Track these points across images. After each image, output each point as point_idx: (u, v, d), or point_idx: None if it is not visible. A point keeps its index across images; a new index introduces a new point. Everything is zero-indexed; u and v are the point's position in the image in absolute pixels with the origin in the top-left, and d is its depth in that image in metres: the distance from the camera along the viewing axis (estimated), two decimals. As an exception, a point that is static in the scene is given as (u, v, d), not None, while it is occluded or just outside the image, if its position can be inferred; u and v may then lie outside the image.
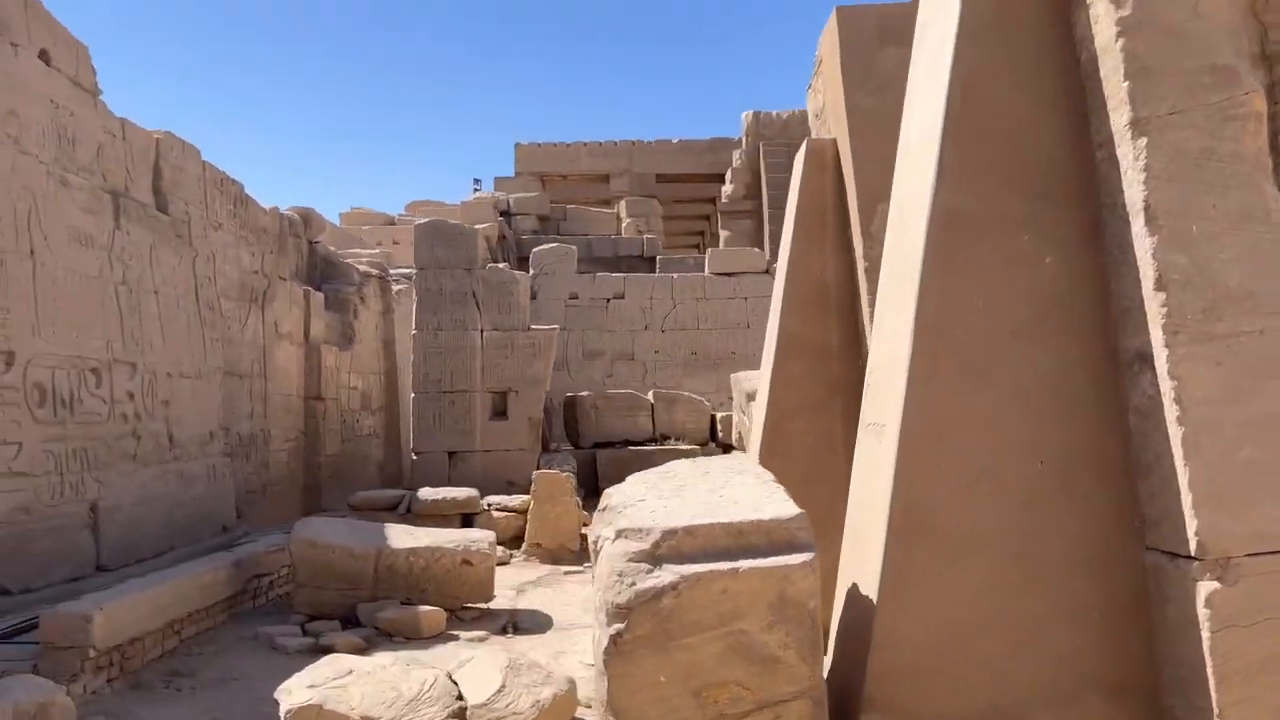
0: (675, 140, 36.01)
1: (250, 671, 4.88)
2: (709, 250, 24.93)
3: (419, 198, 38.76)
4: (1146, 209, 2.35)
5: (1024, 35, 2.62)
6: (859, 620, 2.53)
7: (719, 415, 13.27)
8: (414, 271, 11.86)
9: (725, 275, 23.55)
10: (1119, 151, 2.42)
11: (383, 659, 4.36)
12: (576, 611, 6.17)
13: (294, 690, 3.95)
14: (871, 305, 4.99)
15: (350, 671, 4.13)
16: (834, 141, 5.28)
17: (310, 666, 4.40)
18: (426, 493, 8.64)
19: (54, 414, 6.55)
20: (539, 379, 11.73)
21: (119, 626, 4.51)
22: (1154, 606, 2.49)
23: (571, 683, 4.09)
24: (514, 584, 7.02)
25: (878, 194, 4.98)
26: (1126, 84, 2.37)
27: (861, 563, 2.63)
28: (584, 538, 8.58)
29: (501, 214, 28.82)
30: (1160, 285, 2.35)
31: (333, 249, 15.60)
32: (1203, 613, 2.27)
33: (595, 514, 2.56)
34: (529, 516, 8.12)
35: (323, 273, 14.16)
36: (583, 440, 13.26)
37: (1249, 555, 2.28)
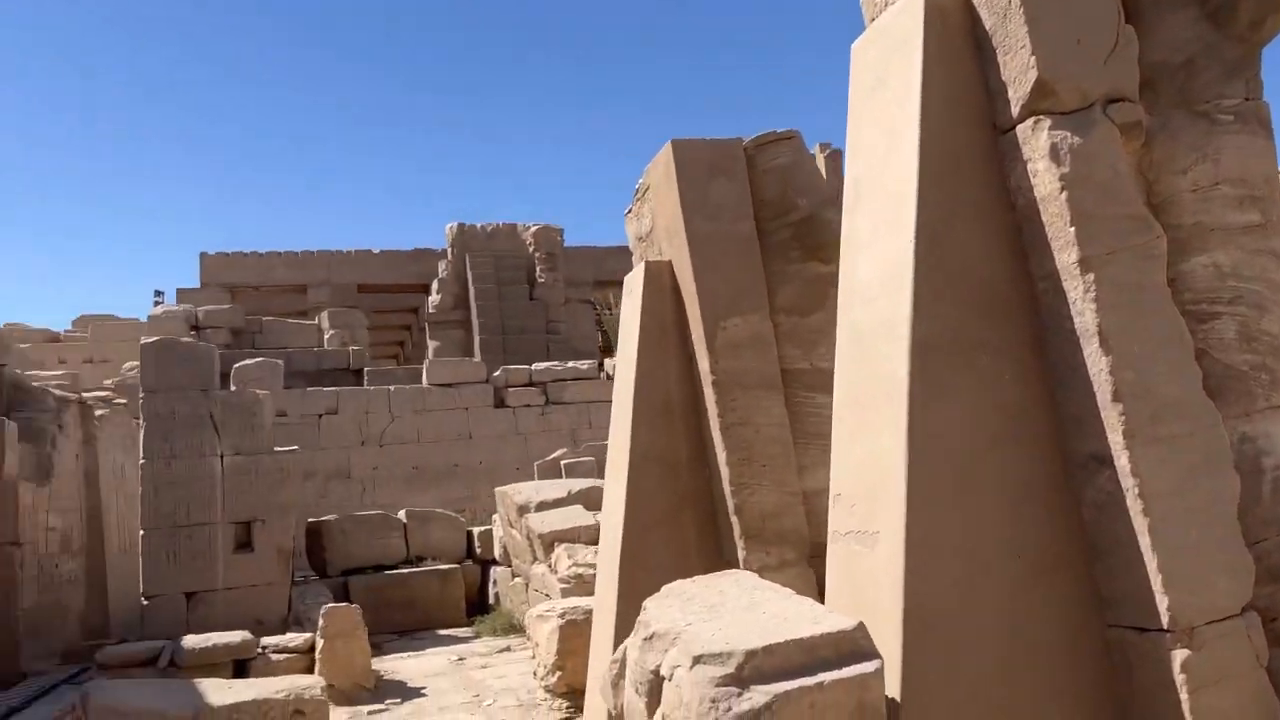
0: (377, 250, 35.51)
1: None
2: (427, 361, 24.62)
3: (85, 311, 35.11)
4: (1100, 333, 2.80)
5: (970, 185, 3.05)
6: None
7: (476, 531, 13.01)
8: (142, 395, 10.75)
9: (444, 386, 23.29)
10: (1066, 285, 2.88)
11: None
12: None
13: None
14: (721, 417, 5.27)
15: None
16: (669, 263, 5.58)
17: None
18: (192, 640, 7.77)
19: None
20: (287, 506, 10.97)
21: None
22: (1121, 675, 2.86)
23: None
24: (322, 732, 6.45)
25: (720, 311, 5.33)
26: (1073, 229, 2.83)
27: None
28: (376, 674, 8.06)
29: (192, 328, 26.79)
30: (1117, 398, 2.79)
31: (20, 372, 13.82)
32: (1179, 677, 2.65)
33: (641, 641, 2.51)
34: (319, 656, 7.50)
35: (11, 399, 12.47)
36: (330, 568, 12.45)
37: (1207, 624, 2.71)
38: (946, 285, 2.91)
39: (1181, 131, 3.06)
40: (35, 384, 13.34)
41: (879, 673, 2.38)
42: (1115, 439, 2.78)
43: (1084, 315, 2.81)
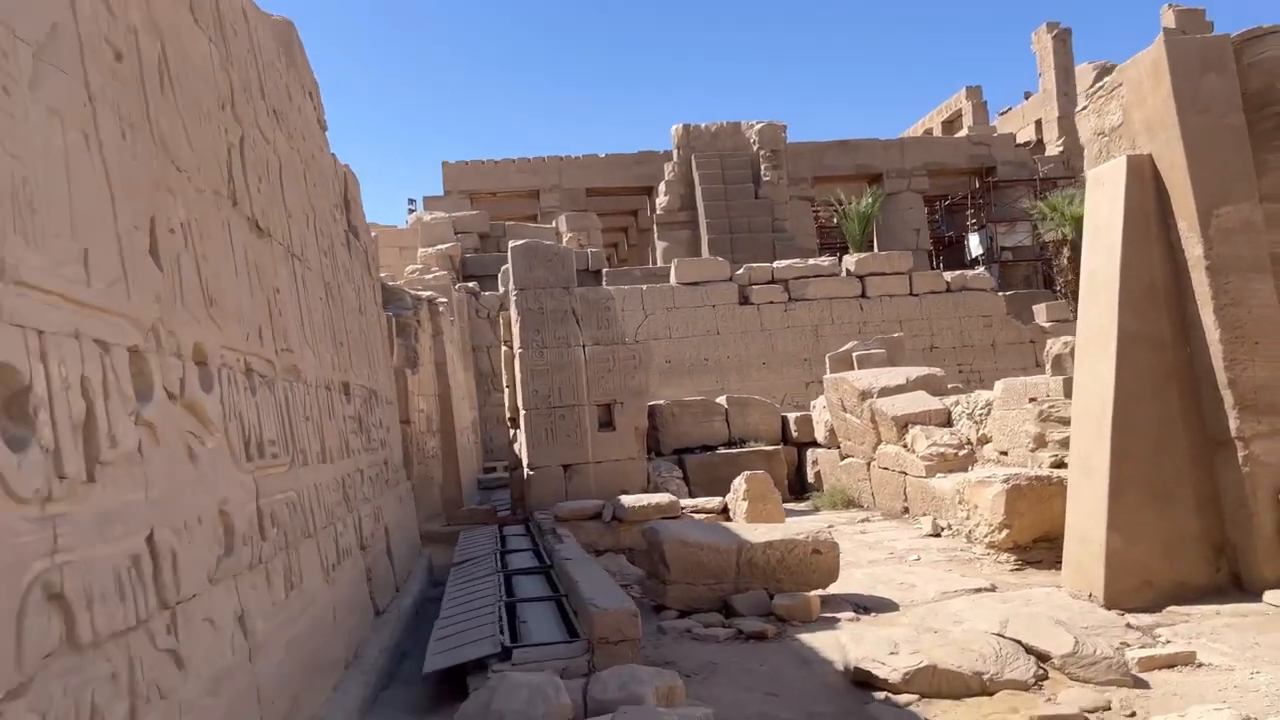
0: (603, 155, 36.56)
1: (713, 659, 5.24)
2: (675, 261, 25.52)
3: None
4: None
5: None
6: None
7: (792, 416, 13.93)
8: (515, 292, 12.05)
9: (691, 285, 24.19)
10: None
11: (898, 631, 4.82)
12: (885, 591, 6.71)
13: (886, 661, 4.40)
14: (1214, 299, 5.75)
15: (896, 644, 4.61)
16: (1149, 156, 6.04)
17: (851, 642, 4.85)
18: (629, 500, 9.01)
19: (365, 441, 6.68)
20: (641, 390, 12.12)
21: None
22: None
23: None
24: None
25: (1213, 200, 5.77)
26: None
27: None
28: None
29: (455, 233, 28.63)
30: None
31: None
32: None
33: None
34: (743, 515, 8.58)
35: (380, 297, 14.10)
36: (663, 447, 13.69)
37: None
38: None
39: None
40: (392, 284, 15.01)
41: None
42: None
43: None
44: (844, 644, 4.83)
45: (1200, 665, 4.61)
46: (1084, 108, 6.62)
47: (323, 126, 7.50)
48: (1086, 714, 3.90)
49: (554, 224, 32.38)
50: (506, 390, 13.57)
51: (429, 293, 17.14)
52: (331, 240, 6.64)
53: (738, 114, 36.42)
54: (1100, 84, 6.45)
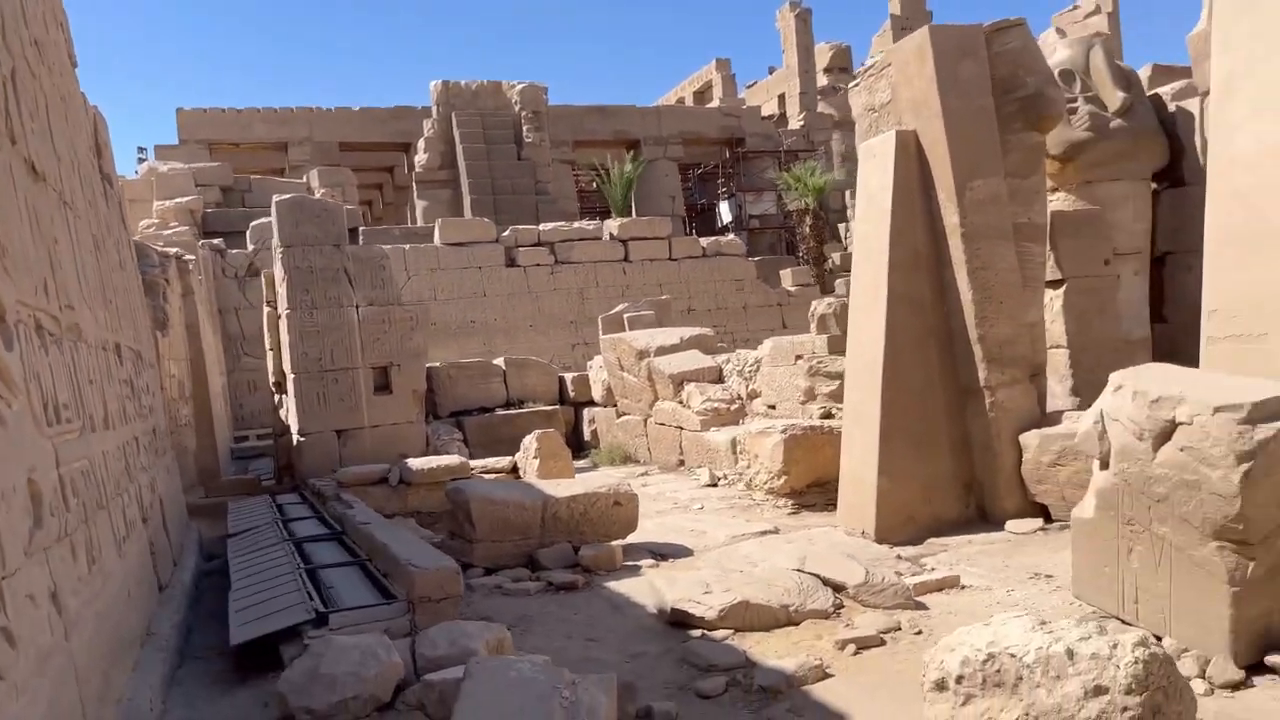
0: (357, 108, 35.02)
1: (526, 612, 5.33)
2: (439, 221, 25.00)
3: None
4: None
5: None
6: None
7: (569, 377, 14.13)
8: (280, 250, 11.43)
9: (457, 246, 23.86)
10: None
11: (706, 574, 5.10)
12: (678, 539, 7.05)
13: (701, 600, 4.66)
14: (967, 263, 6.42)
15: (708, 584, 4.90)
16: (914, 132, 6.61)
17: (665, 585, 5.07)
18: (417, 463, 8.87)
19: (137, 407, 6.19)
20: (419, 352, 11.89)
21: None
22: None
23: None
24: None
25: (967, 175, 6.41)
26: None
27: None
28: (570, 489, 9.24)
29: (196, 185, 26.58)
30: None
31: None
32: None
33: (1149, 404, 3.67)
34: (536, 473, 8.66)
35: (118, 253, 12.95)
36: (440, 409, 13.51)
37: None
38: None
39: None
40: (137, 239, 13.80)
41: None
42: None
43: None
44: (658, 587, 5.06)
45: (964, 587, 5.20)
46: (856, 84, 7.14)
47: (74, 62, 6.78)
48: (882, 635, 4.33)
49: (304, 179, 30.66)
50: (270, 353, 12.89)
51: (175, 250, 15.88)
52: (94, 189, 6.07)
53: (497, 74, 35.68)
54: (872, 63, 6.97)
